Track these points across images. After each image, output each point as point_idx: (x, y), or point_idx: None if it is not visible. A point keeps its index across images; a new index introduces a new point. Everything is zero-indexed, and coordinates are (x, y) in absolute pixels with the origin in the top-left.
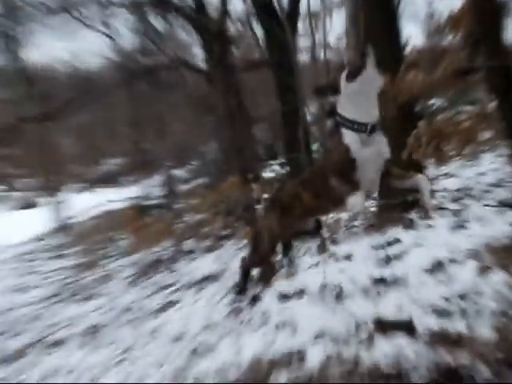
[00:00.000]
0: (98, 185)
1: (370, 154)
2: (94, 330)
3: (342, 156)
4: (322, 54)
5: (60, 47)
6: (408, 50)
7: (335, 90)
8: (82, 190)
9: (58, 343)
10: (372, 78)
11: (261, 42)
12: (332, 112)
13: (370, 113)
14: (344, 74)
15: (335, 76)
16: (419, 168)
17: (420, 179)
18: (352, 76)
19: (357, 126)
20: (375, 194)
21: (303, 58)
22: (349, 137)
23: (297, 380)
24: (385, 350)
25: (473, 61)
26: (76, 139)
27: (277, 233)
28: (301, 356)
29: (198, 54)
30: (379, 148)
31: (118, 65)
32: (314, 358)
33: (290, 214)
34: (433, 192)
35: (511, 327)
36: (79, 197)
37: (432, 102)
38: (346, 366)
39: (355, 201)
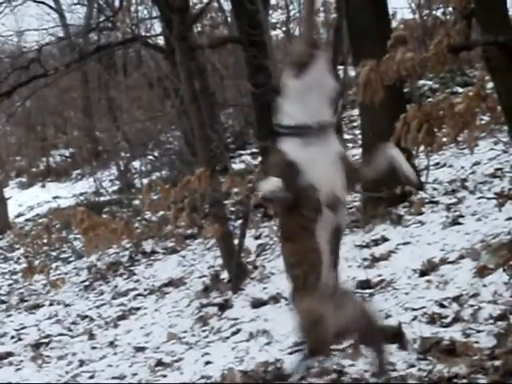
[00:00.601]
0: (46, 179)
1: (318, 151)
2: (46, 341)
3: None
4: (297, 30)
5: (0, 23)
6: (395, 23)
7: (278, 92)
8: (29, 184)
9: (6, 355)
10: (323, 77)
11: (228, 16)
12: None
13: (319, 111)
14: (287, 70)
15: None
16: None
17: (389, 149)
18: (299, 72)
19: (297, 131)
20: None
21: (276, 33)
22: (287, 144)
23: None
24: (371, 360)
25: (468, 36)
26: (21, 128)
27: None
28: (277, 367)
29: (156, 30)
30: (330, 145)
31: (67, 43)
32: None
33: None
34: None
35: (511, 333)
36: (26, 193)
37: (423, 82)
38: (328, 376)
39: (269, 183)
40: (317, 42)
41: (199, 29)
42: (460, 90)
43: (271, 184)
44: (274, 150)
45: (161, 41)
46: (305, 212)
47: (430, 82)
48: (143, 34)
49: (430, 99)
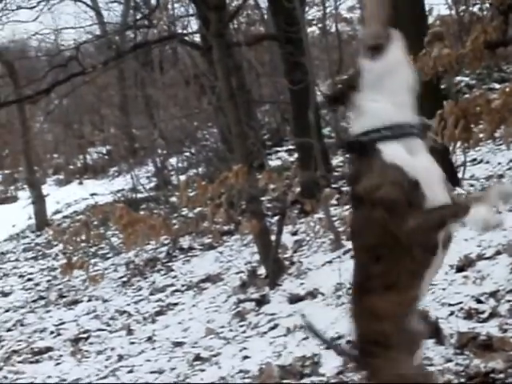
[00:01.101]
0: (83, 176)
1: (427, 163)
2: (85, 336)
3: (396, 188)
4: (333, 26)
5: (38, 22)
6: (431, 20)
7: (352, 87)
8: (66, 182)
9: (45, 350)
10: (402, 60)
11: (265, 13)
12: (350, 142)
13: (406, 108)
14: (361, 55)
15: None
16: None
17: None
18: (376, 50)
19: (398, 130)
20: None
21: (312, 30)
22: (393, 151)
23: None
24: None
25: (505, 32)
26: (58, 125)
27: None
28: (315, 362)
29: (193, 28)
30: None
31: (104, 41)
32: (330, 363)
33: None
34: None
35: None
36: (63, 190)
37: (459, 79)
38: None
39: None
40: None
41: (236, 26)
42: (497, 86)
43: (493, 216)
44: (378, 166)
45: (197, 38)
46: (419, 254)
47: (466, 79)
48: (180, 31)
49: (466, 95)
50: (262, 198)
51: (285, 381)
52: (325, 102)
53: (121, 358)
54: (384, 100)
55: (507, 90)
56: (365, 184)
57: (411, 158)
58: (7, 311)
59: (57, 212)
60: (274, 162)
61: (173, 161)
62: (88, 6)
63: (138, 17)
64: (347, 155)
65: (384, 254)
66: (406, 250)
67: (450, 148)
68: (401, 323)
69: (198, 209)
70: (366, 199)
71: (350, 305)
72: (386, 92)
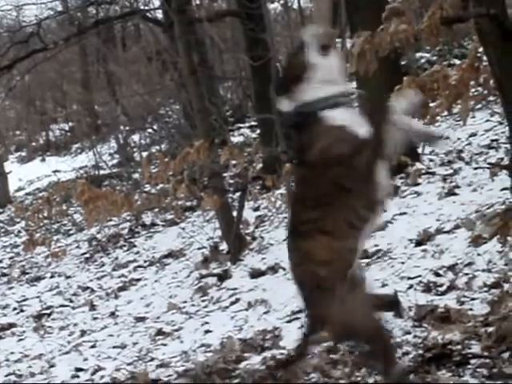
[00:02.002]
0: (46, 153)
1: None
2: (47, 313)
3: (345, 143)
4: (295, 2)
5: None
6: None
7: (300, 78)
8: (29, 159)
9: (8, 326)
10: (338, 54)
11: None
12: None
13: (344, 83)
14: (312, 51)
15: (293, 59)
16: None
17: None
18: (325, 48)
19: (343, 99)
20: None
21: (274, 6)
22: (337, 116)
23: (272, 361)
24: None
25: (465, 8)
26: (20, 102)
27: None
28: (276, 335)
29: (155, 4)
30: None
31: (66, 17)
32: (291, 337)
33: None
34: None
35: (504, 300)
36: (26, 167)
37: (420, 55)
38: (325, 344)
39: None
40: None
41: (198, 2)
42: (457, 62)
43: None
44: (324, 130)
45: (159, 14)
46: (360, 209)
47: (427, 55)
48: (142, 7)
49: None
50: (224, 174)
51: (246, 354)
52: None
53: (83, 333)
54: (330, 87)
55: (464, 65)
56: (317, 148)
57: (349, 119)
58: None
59: (19, 189)
60: (236, 138)
61: (135, 137)
62: None
63: None
64: (289, 130)
65: (323, 202)
66: (345, 198)
67: None
68: (341, 271)
69: (161, 185)
70: (320, 161)
71: (288, 252)
72: (332, 80)
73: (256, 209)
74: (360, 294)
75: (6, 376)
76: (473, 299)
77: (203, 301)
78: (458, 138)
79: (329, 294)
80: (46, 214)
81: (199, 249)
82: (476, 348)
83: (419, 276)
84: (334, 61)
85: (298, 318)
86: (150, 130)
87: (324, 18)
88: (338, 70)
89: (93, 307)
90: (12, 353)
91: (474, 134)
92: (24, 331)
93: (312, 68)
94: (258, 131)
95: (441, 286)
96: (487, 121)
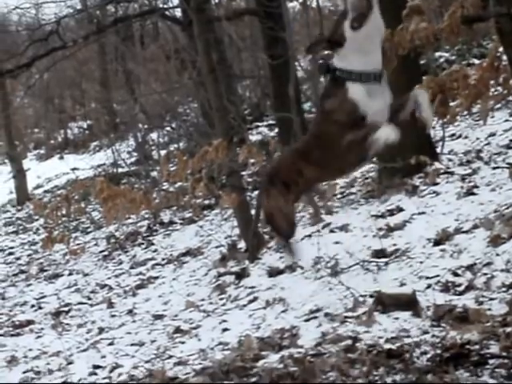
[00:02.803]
0: (64, 151)
1: (380, 105)
2: (65, 310)
3: (350, 115)
4: (314, 1)
5: None
6: None
7: (336, 43)
8: (47, 156)
9: (27, 323)
10: (378, 24)
11: None
12: (327, 69)
13: (376, 60)
14: (347, 22)
15: (334, 26)
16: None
17: (417, 90)
18: (358, 23)
19: (364, 77)
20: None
21: (293, 5)
22: (355, 91)
23: (290, 359)
24: (385, 327)
25: (484, 8)
26: (39, 100)
27: (289, 211)
28: (294, 334)
29: (174, 2)
30: (386, 96)
31: (85, 15)
32: (309, 335)
33: (293, 190)
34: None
35: None
36: (44, 164)
37: (439, 54)
38: (343, 343)
39: (386, 132)
40: None
41: (216, 1)
42: (476, 61)
43: (391, 132)
44: (341, 97)
45: (178, 13)
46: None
47: (446, 54)
48: (161, 5)
49: (446, 71)
50: (242, 173)
51: (263, 352)
52: (309, 50)
53: (101, 330)
54: (361, 57)
55: (484, 65)
56: (329, 105)
57: (368, 99)
58: None
59: (38, 187)
60: (254, 137)
61: (154, 135)
62: None
63: None
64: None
65: (323, 144)
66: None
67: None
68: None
69: (179, 183)
70: (327, 114)
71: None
72: (364, 52)
73: None
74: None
75: (24, 373)
76: (491, 299)
77: (221, 299)
78: (477, 138)
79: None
80: (64, 212)
81: (217, 247)
82: (494, 348)
83: (437, 276)
84: (369, 33)
85: (315, 317)
86: (168, 129)
87: None
88: (371, 42)
89: (111, 305)
90: (30, 350)
91: (492, 134)
92: (42, 328)
93: (347, 40)
94: (276, 130)
95: (459, 285)
96: (506, 120)
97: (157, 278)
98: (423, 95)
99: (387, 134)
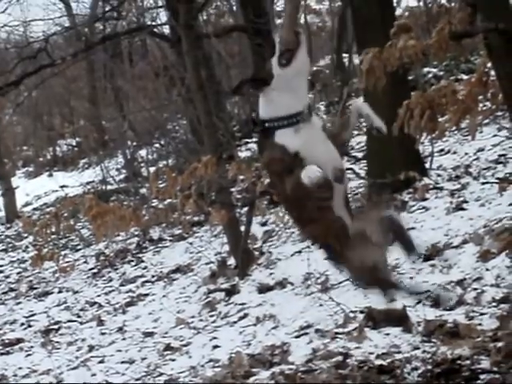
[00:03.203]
0: (53, 168)
1: (311, 134)
2: (55, 328)
3: (283, 159)
4: (302, 18)
5: (6, 14)
6: (400, 11)
7: (262, 81)
8: (36, 174)
9: (16, 342)
10: (306, 61)
11: (234, 4)
12: (254, 123)
13: (303, 96)
14: (274, 59)
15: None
16: (411, 143)
17: (355, 103)
18: (286, 59)
19: (291, 120)
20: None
21: (282, 22)
22: (282, 135)
23: (281, 376)
24: (376, 343)
25: (473, 23)
26: (27, 117)
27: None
28: (284, 350)
29: (162, 19)
30: (315, 124)
31: (74, 33)
32: (299, 352)
33: None
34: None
35: None
36: (33, 182)
37: (427, 70)
38: (333, 359)
39: (310, 170)
40: (299, 28)
41: (205, 18)
42: (465, 77)
43: (313, 170)
44: (270, 145)
45: (167, 30)
46: (318, 195)
47: (434, 70)
48: (149, 23)
49: (434, 86)
50: (232, 189)
51: (254, 369)
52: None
53: (91, 348)
54: (288, 96)
55: (472, 80)
56: (263, 158)
57: (296, 137)
58: None
59: (27, 204)
60: (243, 154)
61: (143, 152)
62: None
63: (107, 8)
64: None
65: (294, 202)
66: (306, 195)
67: (417, 138)
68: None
69: (168, 200)
70: (267, 168)
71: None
72: (292, 89)
73: (264, 224)
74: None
75: None
76: (482, 314)
77: (211, 316)
78: (466, 153)
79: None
80: (53, 229)
81: (207, 264)
82: (485, 363)
83: (428, 291)
84: (296, 69)
85: (306, 333)
86: (157, 145)
87: (289, 22)
88: (298, 79)
89: (101, 322)
90: (20, 368)
91: (481, 149)
92: (32, 346)
93: (275, 77)
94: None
95: (449, 301)
96: (495, 135)
97: (147, 295)
98: (364, 106)
99: (310, 172)
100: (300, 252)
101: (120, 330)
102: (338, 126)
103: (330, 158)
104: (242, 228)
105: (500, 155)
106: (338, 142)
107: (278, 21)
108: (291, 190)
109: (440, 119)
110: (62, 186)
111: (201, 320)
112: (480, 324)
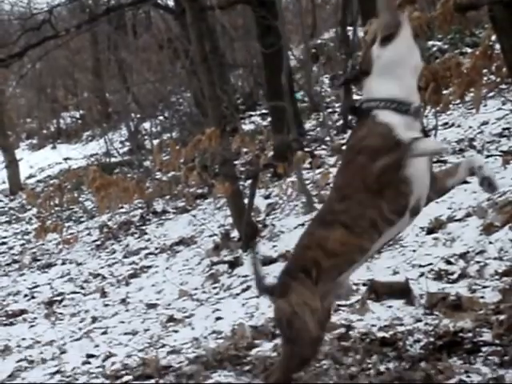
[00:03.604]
0: (57, 141)
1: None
2: (59, 299)
3: (383, 137)
4: None
5: None
6: None
7: (364, 73)
8: (40, 146)
9: (20, 313)
10: (409, 46)
11: None
12: (353, 108)
13: (408, 88)
14: (376, 45)
15: (363, 55)
16: None
17: (471, 160)
18: (387, 39)
19: (397, 106)
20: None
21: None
22: (389, 116)
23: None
24: (378, 315)
25: None
26: (31, 89)
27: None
28: None
29: None
30: (429, 148)
31: (78, 4)
32: None
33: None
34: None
35: None
36: (37, 154)
37: (432, 43)
38: (336, 331)
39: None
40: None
41: None
42: (469, 50)
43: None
44: (372, 122)
45: (171, 2)
46: (387, 210)
47: (439, 43)
48: None
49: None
50: (235, 162)
51: (257, 341)
52: (340, 84)
53: (95, 319)
54: (389, 80)
55: (477, 53)
56: (356, 135)
57: (407, 130)
58: None
59: (30, 176)
60: (247, 126)
61: (146, 125)
62: None
63: None
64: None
65: (350, 194)
66: (372, 198)
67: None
68: (336, 267)
69: (172, 172)
70: (354, 147)
71: (302, 234)
72: (392, 75)
73: (267, 196)
74: (316, 301)
75: (18, 362)
76: (484, 287)
77: (214, 288)
78: (470, 127)
79: (307, 276)
80: (57, 201)
81: (210, 236)
82: (487, 336)
83: (431, 264)
84: (397, 53)
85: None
86: (161, 118)
87: (387, 7)
88: (402, 68)
89: (104, 294)
90: (23, 339)
91: (485, 123)
92: (35, 318)
93: (376, 62)
94: (269, 119)
95: (452, 273)
96: (499, 109)
97: (150, 267)
98: (478, 159)
99: (429, 145)
100: (303, 225)
101: (123, 301)
102: (444, 171)
103: (424, 184)
104: (246, 200)
105: (504, 128)
106: (438, 186)
107: None
108: (380, 170)
109: (444, 92)
110: (65, 159)
111: (204, 292)
112: (482, 297)
